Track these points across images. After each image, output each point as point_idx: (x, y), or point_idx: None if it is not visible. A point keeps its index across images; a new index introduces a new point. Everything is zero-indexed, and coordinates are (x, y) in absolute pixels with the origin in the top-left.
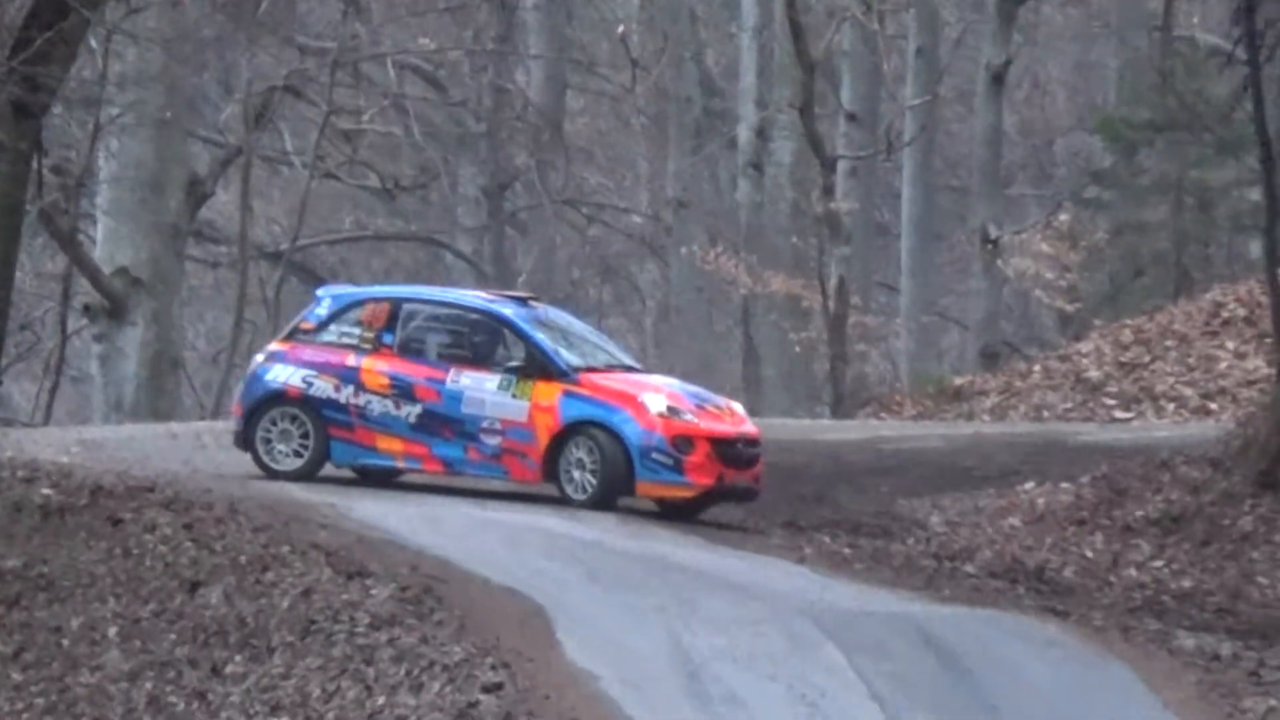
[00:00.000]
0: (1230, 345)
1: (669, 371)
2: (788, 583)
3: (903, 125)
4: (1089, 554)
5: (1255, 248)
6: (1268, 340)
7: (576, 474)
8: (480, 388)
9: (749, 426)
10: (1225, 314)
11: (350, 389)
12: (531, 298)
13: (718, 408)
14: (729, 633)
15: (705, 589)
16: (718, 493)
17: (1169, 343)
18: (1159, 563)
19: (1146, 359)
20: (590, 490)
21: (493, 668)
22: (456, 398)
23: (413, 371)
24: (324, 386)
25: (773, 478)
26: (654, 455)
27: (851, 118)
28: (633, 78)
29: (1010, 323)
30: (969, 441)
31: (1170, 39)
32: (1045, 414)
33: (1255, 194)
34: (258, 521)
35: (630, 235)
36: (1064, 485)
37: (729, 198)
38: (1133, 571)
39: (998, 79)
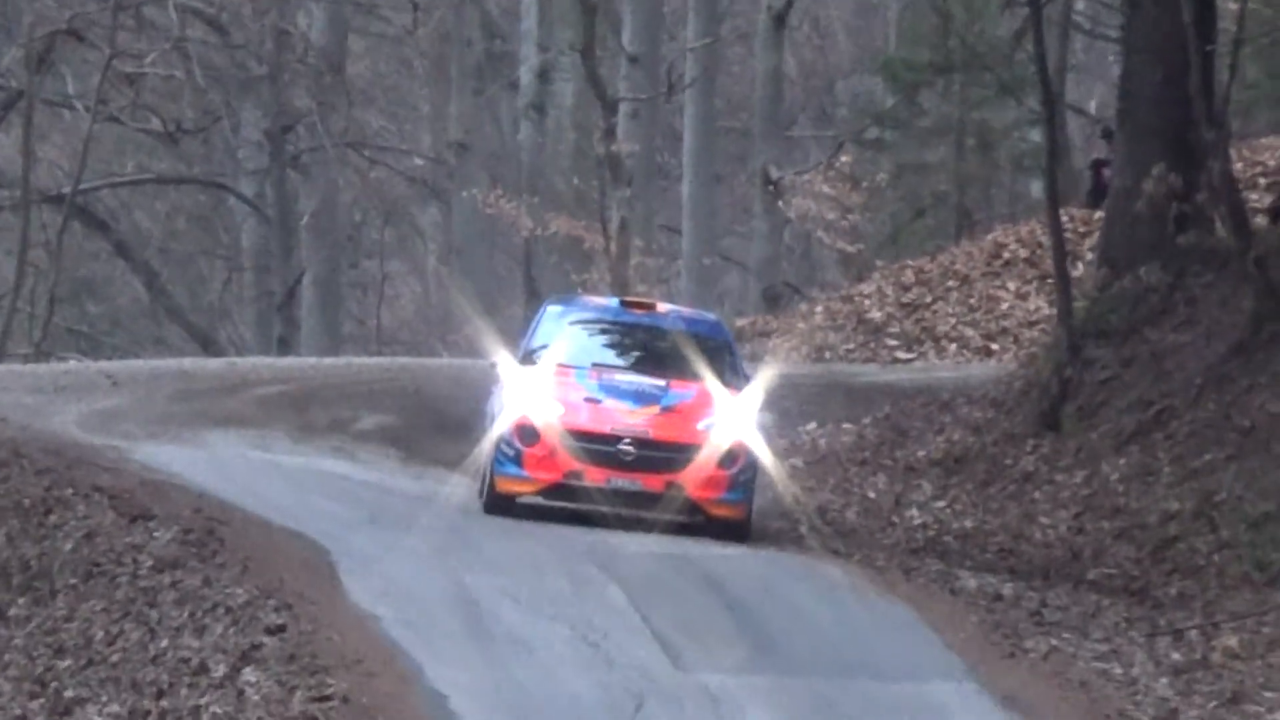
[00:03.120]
0: (1012, 286)
1: (446, 312)
2: (569, 525)
3: (684, 67)
4: (871, 495)
5: (1036, 188)
6: (1049, 281)
7: None
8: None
9: (681, 431)
10: (1007, 255)
11: None
12: (640, 302)
13: (633, 406)
14: (511, 574)
15: (488, 532)
16: (581, 492)
17: (951, 284)
18: (941, 503)
19: (928, 300)
20: None
21: (276, 610)
22: None
23: None
24: None
25: None
26: (503, 448)
27: (633, 60)
28: (414, 20)
29: (792, 264)
30: None
31: None
32: (827, 355)
33: (1036, 135)
34: (41, 464)
35: (412, 178)
36: (846, 426)
37: (510, 140)
38: (915, 512)
39: (779, 20)
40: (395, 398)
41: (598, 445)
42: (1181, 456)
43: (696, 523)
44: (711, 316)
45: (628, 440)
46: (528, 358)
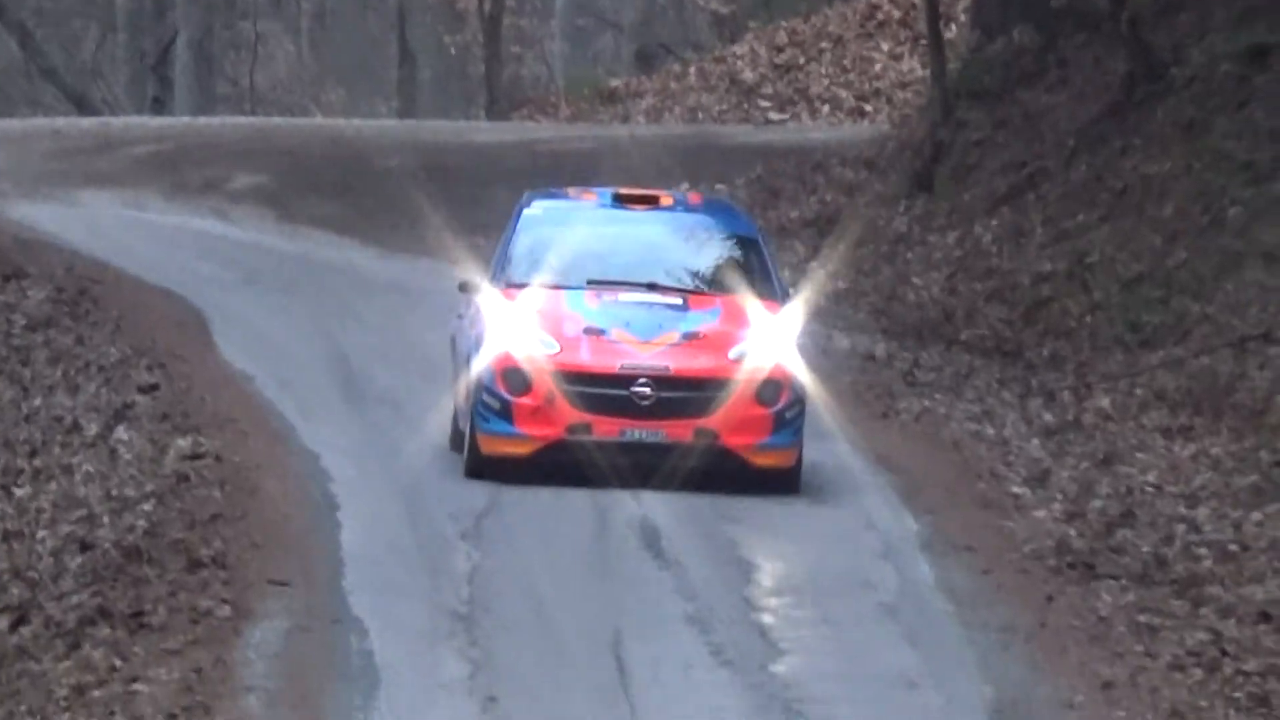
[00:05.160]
0: (885, 47)
1: (320, 72)
2: (443, 284)
3: None
4: None
5: None
6: (922, 42)
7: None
8: None
9: (709, 362)
10: (880, 16)
11: None
12: (639, 195)
13: (646, 335)
14: (382, 334)
15: (362, 291)
16: (589, 449)
17: (824, 45)
18: (814, 264)
19: (801, 61)
20: None
21: (149, 369)
22: None
23: None
24: None
25: (428, 181)
26: (484, 399)
27: None
28: None
29: (665, 25)
30: (625, 142)
31: None
32: (700, 116)
33: None
34: None
35: None
36: (719, 186)
37: None
38: (787, 273)
39: None
40: (269, 158)
41: (605, 389)
42: (1054, 218)
43: (733, 473)
44: (732, 206)
45: (643, 380)
46: (506, 278)
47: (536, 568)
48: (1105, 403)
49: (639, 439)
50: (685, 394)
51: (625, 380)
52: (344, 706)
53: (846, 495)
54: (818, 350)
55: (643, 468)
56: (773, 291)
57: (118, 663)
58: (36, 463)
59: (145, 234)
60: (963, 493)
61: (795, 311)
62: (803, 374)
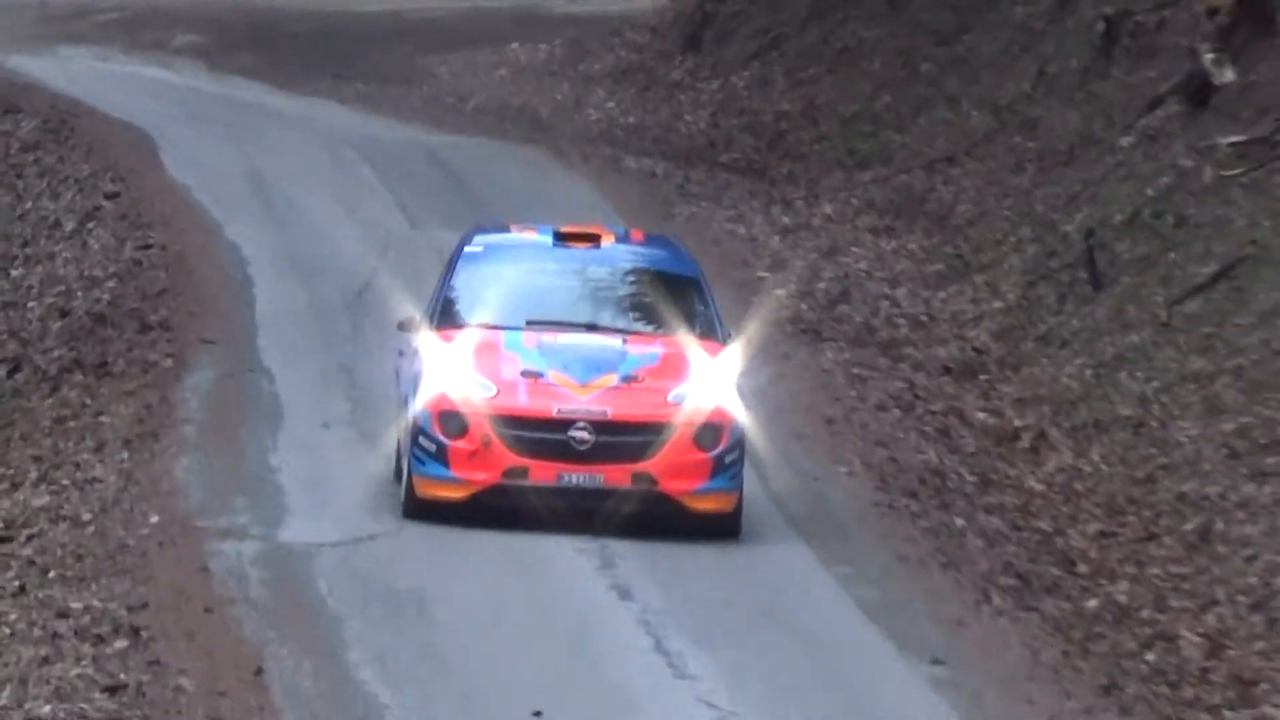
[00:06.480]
0: None
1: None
2: (333, 119)
3: None
4: (559, 97)
5: None
6: None
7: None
8: None
9: (647, 406)
10: None
11: None
12: (581, 233)
13: (584, 378)
14: (287, 156)
15: (272, 124)
16: (525, 493)
17: None
18: (611, 104)
19: None
20: None
21: (112, 180)
22: None
23: None
24: None
25: (323, 40)
26: (421, 441)
27: None
28: None
29: None
30: (471, 11)
31: None
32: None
33: None
34: None
35: None
36: (541, 46)
37: None
38: (591, 111)
39: None
40: (204, 22)
41: (543, 433)
42: (792, 70)
43: (670, 518)
44: (675, 245)
45: (580, 424)
46: (444, 316)
47: None
48: (829, 209)
49: (576, 484)
50: (623, 438)
51: (563, 424)
52: (258, 434)
53: None
54: (612, 170)
55: (580, 512)
56: (713, 332)
57: (88, 401)
58: (28, 251)
59: (109, 80)
60: (720, 278)
61: (735, 353)
62: (743, 416)
